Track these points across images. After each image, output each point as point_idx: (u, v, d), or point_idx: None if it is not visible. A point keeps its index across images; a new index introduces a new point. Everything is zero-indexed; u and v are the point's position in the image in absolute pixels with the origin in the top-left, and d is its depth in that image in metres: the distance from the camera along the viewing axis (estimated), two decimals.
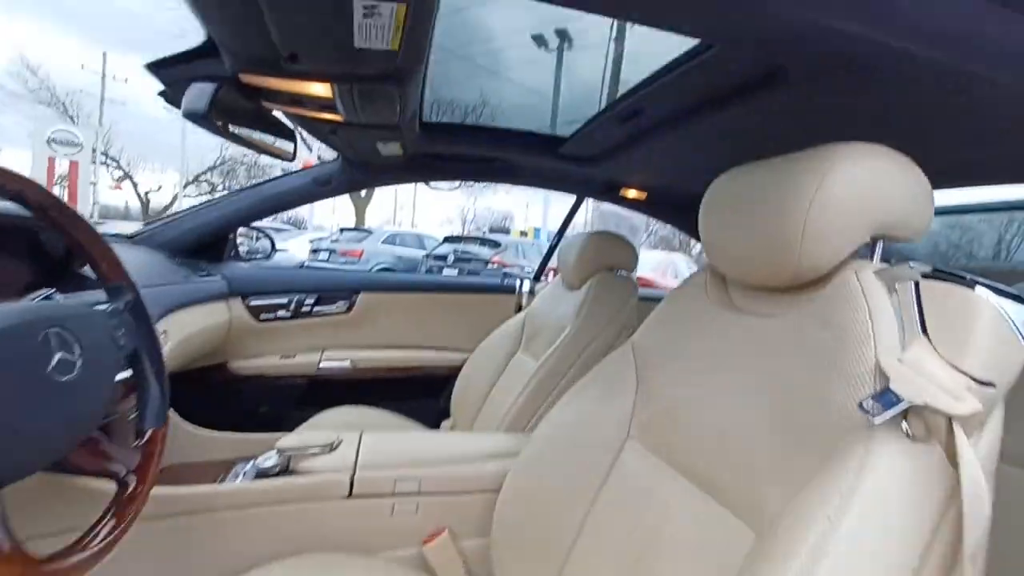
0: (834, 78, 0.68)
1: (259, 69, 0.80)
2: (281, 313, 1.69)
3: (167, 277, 1.35)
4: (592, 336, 1.29)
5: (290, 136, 1.17)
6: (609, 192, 1.73)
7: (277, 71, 0.79)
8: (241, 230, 1.75)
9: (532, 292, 1.88)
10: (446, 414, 1.68)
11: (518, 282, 1.93)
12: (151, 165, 20.91)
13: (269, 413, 1.71)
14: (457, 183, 1.81)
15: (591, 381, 0.88)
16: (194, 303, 1.38)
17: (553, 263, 1.89)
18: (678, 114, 0.96)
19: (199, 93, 0.78)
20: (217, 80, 0.80)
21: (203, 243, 1.60)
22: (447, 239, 9.68)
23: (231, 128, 0.94)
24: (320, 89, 0.87)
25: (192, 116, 0.79)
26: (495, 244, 8.87)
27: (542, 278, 2.02)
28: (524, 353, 1.55)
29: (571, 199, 1.92)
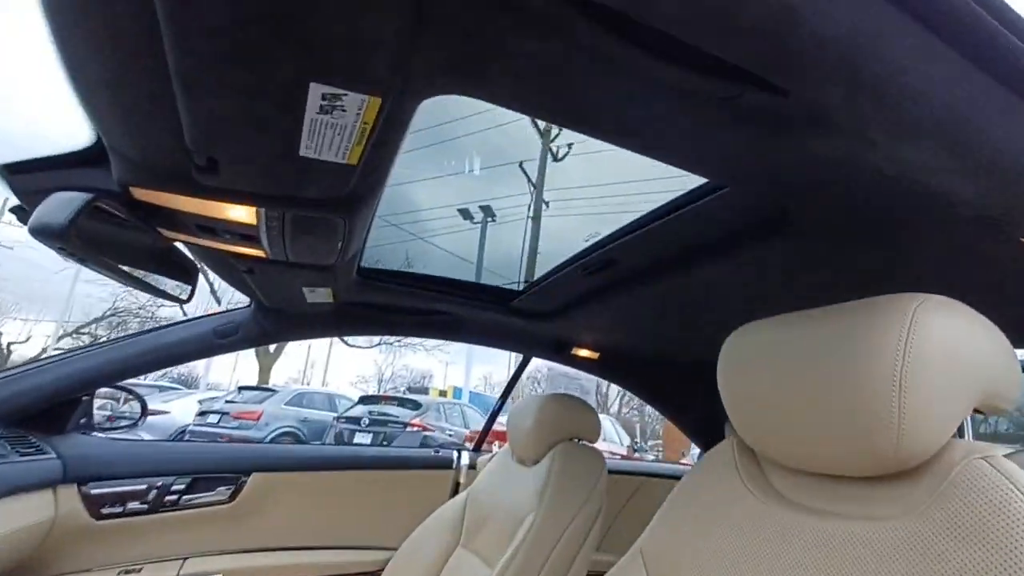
0: (846, 223, 0.63)
1: (160, 183, 0.61)
2: (133, 505, 1.24)
3: None
4: (563, 525, 1.03)
5: (189, 275, 0.94)
6: (559, 351, 1.59)
7: (184, 186, 0.61)
8: (104, 391, 1.36)
9: (473, 466, 1.58)
10: None
11: (455, 454, 1.63)
12: (26, 314, 18.49)
13: None
14: (377, 340, 1.60)
15: None
16: (2, 496, 0.98)
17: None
18: (656, 266, 0.88)
19: (60, 204, 0.56)
20: (94, 192, 0.60)
21: (41, 408, 1.20)
22: (363, 399, 8.95)
23: (105, 259, 0.71)
24: (241, 214, 0.68)
25: (42, 233, 0.56)
26: (416, 405, 8.29)
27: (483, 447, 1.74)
28: (467, 549, 1.22)
29: (496, 360, 1.77)
